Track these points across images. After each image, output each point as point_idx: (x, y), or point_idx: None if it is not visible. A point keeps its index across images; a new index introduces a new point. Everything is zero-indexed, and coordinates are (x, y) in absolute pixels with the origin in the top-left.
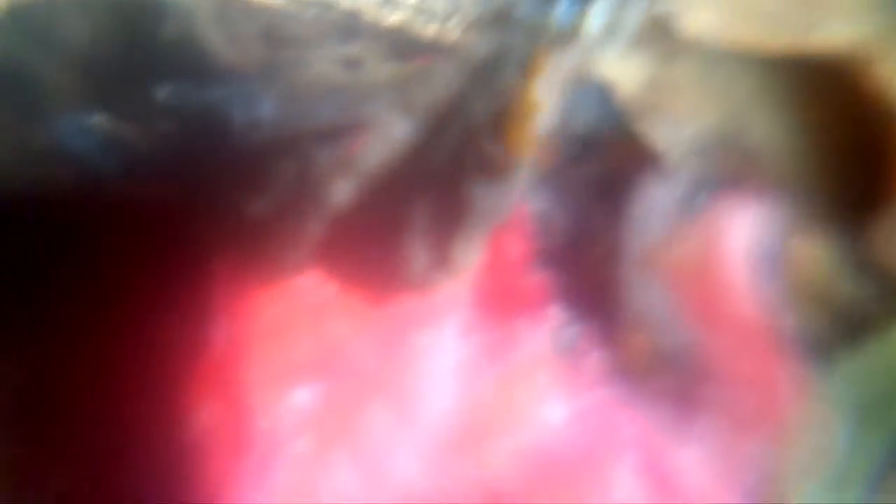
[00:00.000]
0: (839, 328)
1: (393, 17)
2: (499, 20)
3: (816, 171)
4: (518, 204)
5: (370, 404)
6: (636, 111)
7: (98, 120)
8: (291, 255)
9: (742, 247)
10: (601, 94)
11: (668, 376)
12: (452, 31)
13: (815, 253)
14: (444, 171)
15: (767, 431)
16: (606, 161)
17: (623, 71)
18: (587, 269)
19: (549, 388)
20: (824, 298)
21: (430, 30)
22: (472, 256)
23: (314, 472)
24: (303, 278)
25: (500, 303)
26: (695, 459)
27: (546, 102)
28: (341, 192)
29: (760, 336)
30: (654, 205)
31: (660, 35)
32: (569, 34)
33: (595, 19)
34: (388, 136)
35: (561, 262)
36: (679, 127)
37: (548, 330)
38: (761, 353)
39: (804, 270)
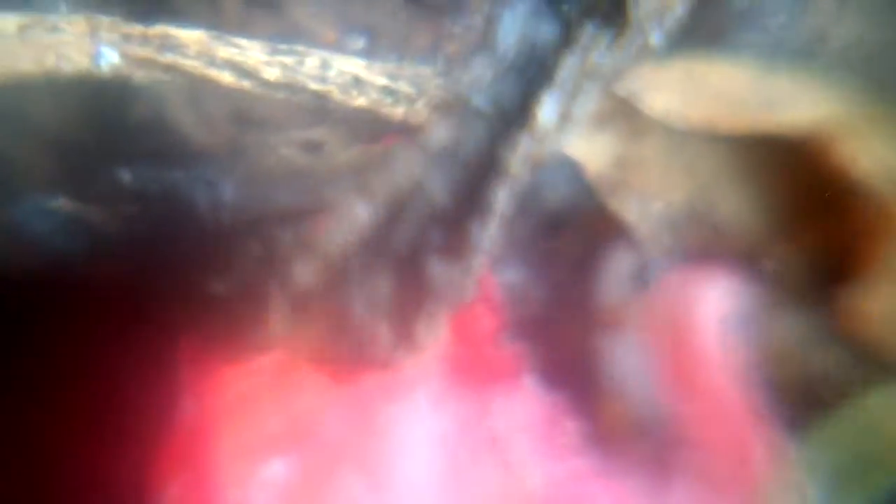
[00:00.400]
0: (812, 396)
1: (360, 100)
2: (458, 106)
3: (784, 245)
4: (488, 277)
5: (343, 474)
6: (606, 187)
7: (62, 202)
8: (256, 334)
9: (713, 318)
10: (572, 171)
11: (644, 444)
12: (419, 114)
13: (786, 324)
14: (406, 253)
15: (742, 495)
16: (578, 235)
17: (591, 149)
18: (561, 340)
19: (525, 459)
20: (796, 368)
21: (397, 112)
22: (435, 334)
23: None
24: (269, 355)
25: (472, 375)
26: None
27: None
28: (304, 273)
29: (733, 404)
30: (626, 277)
31: (625, 114)
32: (523, 124)
33: (547, 109)
34: (349, 219)
35: (534, 333)
36: (648, 202)
37: (522, 401)
38: (735, 420)
39: (776, 341)
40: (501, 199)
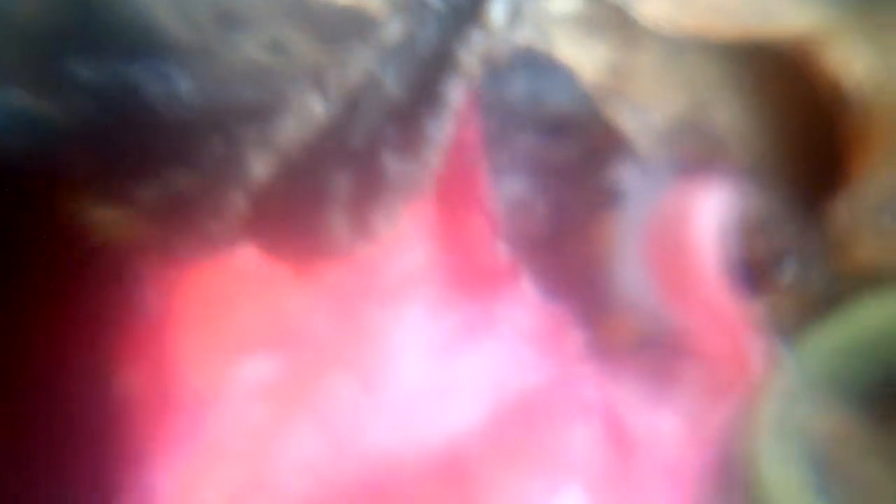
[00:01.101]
0: (804, 307)
1: None
2: (412, 3)
3: (777, 155)
4: (486, 185)
5: (332, 377)
6: (602, 96)
7: (16, 95)
8: (217, 227)
9: (711, 229)
10: (568, 78)
11: (646, 355)
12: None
13: (781, 235)
14: (361, 147)
15: (737, 402)
16: (579, 144)
17: (584, 57)
18: (564, 251)
19: (523, 364)
20: (790, 276)
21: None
22: (391, 224)
23: (272, 440)
24: (249, 254)
25: (469, 283)
26: (667, 429)
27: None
28: (262, 167)
29: (731, 315)
30: (627, 187)
31: (617, 23)
32: (475, 20)
33: (498, 5)
34: (306, 114)
35: (537, 243)
36: (645, 113)
37: (522, 310)
38: (732, 330)
39: (771, 252)
40: (455, 93)
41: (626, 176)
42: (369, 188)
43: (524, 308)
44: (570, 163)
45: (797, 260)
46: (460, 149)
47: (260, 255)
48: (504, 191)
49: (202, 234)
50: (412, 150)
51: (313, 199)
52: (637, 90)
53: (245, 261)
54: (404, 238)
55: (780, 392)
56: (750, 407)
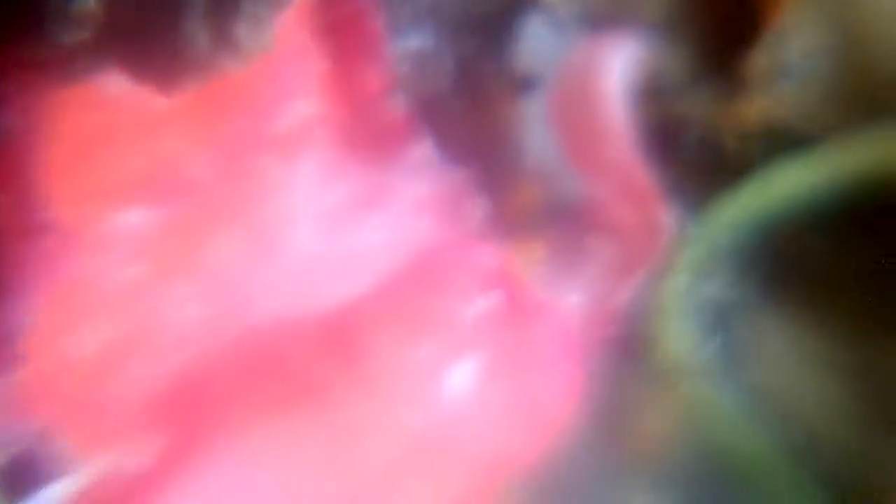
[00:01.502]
0: (719, 176)
1: None
2: None
3: (687, 9)
4: (382, 34)
5: (218, 234)
6: None
7: None
8: (68, 33)
9: (619, 89)
10: None
11: (551, 226)
12: None
13: (693, 95)
14: None
15: (643, 276)
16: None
17: None
18: (466, 111)
19: (420, 231)
20: (698, 142)
21: None
22: (260, 38)
23: (149, 297)
24: (120, 85)
25: (365, 141)
26: (570, 302)
27: None
28: None
29: (639, 183)
30: (532, 43)
31: None
32: None
33: None
34: None
35: (437, 102)
36: None
37: (422, 174)
38: (640, 199)
39: (682, 113)
40: None
41: (534, 31)
42: None
43: (423, 171)
44: (475, 15)
45: (706, 123)
46: None
47: (132, 86)
48: (403, 42)
49: (53, 41)
50: None
51: (168, 9)
52: None
53: (117, 93)
54: (293, 79)
55: (686, 266)
56: (656, 281)
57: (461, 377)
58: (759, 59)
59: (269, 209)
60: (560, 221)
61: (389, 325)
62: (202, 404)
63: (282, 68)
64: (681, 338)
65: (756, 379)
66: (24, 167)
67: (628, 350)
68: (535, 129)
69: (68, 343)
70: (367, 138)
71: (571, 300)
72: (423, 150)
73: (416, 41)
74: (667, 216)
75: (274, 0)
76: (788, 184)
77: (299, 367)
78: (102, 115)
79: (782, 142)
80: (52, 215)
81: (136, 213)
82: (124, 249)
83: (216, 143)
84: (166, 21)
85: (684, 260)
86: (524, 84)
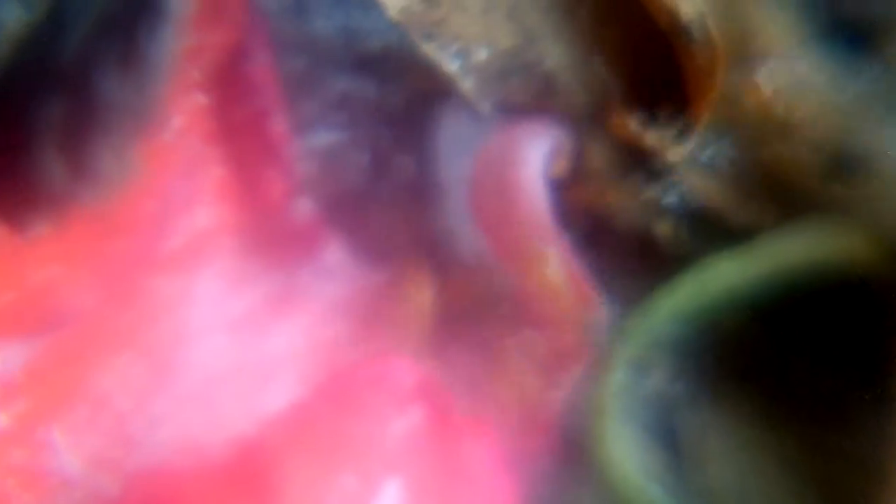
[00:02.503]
0: (650, 267)
1: None
2: None
3: (617, 98)
4: (284, 135)
5: (110, 360)
6: (419, 30)
7: None
8: None
9: (540, 178)
10: (382, 10)
11: (475, 325)
12: None
13: (623, 185)
14: (71, 65)
15: (578, 375)
16: (396, 86)
17: None
18: (380, 209)
19: (339, 343)
20: (631, 236)
21: None
22: (121, 165)
23: (31, 441)
24: None
25: (269, 248)
26: (500, 412)
27: None
28: None
29: (567, 274)
30: (451, 134)
31: None
32: None
33: None
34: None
35: (349, 201)
36: (468, 50)
37: (332, 279)
38: (569, 292)
39: (614, 205)
40: (174, 2)
41: (449, 122)
42: (84, 116)
43: (334, 276)
44: (386, 108)
45: (635, 212)
46: (251, 92)
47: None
48: (311, 141)
49: None
50: (128, 69)
51: (17, 132)
52: (457, 23)
53: None
54: (186, 192)
55: (623, 362)
56: (592, 380)
57: None
58: (680, 150)
59: (163, 329)
60: (484, 319)
61: (305, 454)
62: None
63: (171, 182)
64: (623, 440)
65: (704, 480)
66: None
67: (567, 459)
68: (456, 220)
69: None
70: (273, 243)
71: (499, 409)
72: (334, 253)
73: (325, 137)
74: (599, 308)
75: (133, 118)
76: (725, 275)
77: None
78: None
79: (712, 232)
80: None
81: (13, 347)
82: (2, 389)
83: (98, 267)
84: (13, 152)
85: (622, 354)
86: (441, 176)
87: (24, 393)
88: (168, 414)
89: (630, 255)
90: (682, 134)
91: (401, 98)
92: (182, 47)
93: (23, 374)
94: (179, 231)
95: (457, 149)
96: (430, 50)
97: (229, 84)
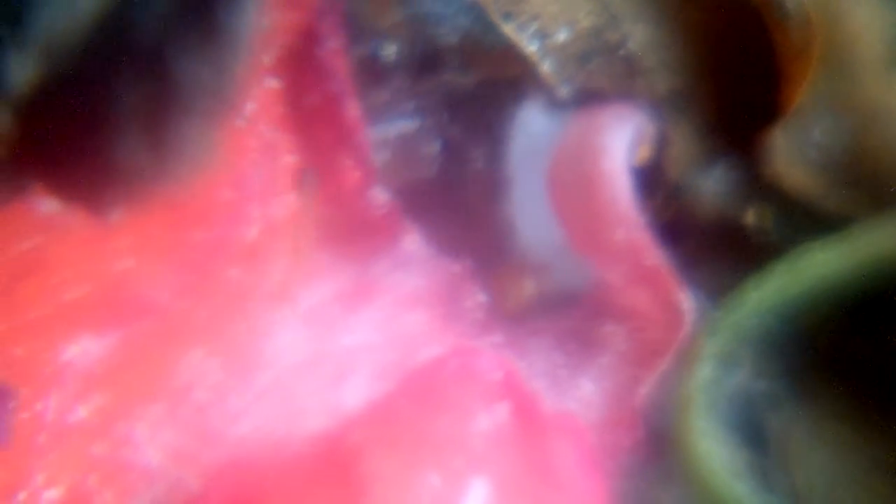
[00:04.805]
0: (737, 257)
1: None
2: None
3: (701, 79)
4: (358, 123)
5: (184, 352)
6: (498, 11)
7: None
8: None
9: (624, 166)
10: None
11: (557, 318)
12: None
13: (709, 174)
14: (148, 46)
15: (664, 365)
16: (471, 72)
17: None
18: (456, 198)
19: (418, 335)
20: (716, 225)
21: None
22: (203, 151)
23: (115, 433)
24: (51, 203)
25: (345, 239)
26: (585, 408)
27: None
28: (24, 72)
29: (652, 265)
30: (529, 122)
31: None
32: None
33: None
34: (74, 4)
35: (424, 191)
36: (550, 31)
37: (409, 270)
38: (654, 283)
39: (698, 193)
40: None
41: (527, 108)
42: (164, 98)
43: (411, 267)
44: (461, 95)
45: (722, 202)
46: (323, 77)
47: (66, 204)
48: (381, 129)
49: None
50: (210, 48)
51: (96, 114)
52: (537, 2)
53: (51, 213)
54: (261, 181)
55: (710, 356)
56: (677, 375)
57: None
58: (777, 138)
59: (240, 322)
60: (566, 312)
61: (389, 452)
62: None
63: (246, 171)
64: (709, 437)
65: (789, 480)
66: None
67: (653, 455)
68: (533, 211)
69: (30, 500)
70: (350, 233)
71: (585, 405)
72: (410, 243)
73: (395, 125)
74: (686, 300)
75: (217, 110)
76: (819, 265)
77: (291, 502)
78: (35, 240)
79: (801, 220)
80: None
81: (89, 340)
82: (80, 382)
83: (175, 258)
84: (97, 137)
85: (708, 348)
86: (519, 165)
87: (103, 386)
88: (245, 408)
89: (716, 245)
90: (771, 118)
91: (472, 86)
92: (260, 27)
93: (100, 368)
94: (255, 220)
95: (530, 139)
96: (508, 31)
97: (301, 68)
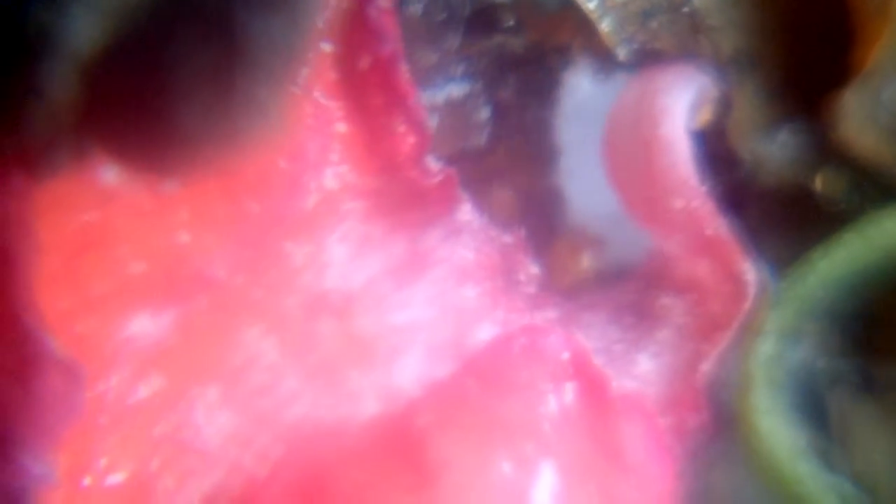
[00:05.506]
0: (804, 225)
1: None
2: None
3: (767, 40)
4: (410, 88)
5: (241, 330)
6: None
7: None
8: (42, 118)
9: (685, 131)
10: None
11: (615, 290)
12: None
13: (775, 139)
14: (216, 4)
15: (727, 338)
16: (524, 34)
17: None
18: (510, 166)
19: (473, 309)
20: (782, 192)
21: None
22: (265, 117)
23: (177, 413)
24: (113, 172)
25: (399, 209)
26: (646, 378)
27: None
28: (90, 32)
29: (713, 234)
30: (581, 88)
31: None
32: None
33: None
34: None
35: (477, 159)
36: None
37: (466, 239)
38: (716, 253)
39: (760, 159)
40: None
41: (583, 70)
42: (230, 60)
43: (464, 239)
44: (514, 58)
45: (788, 169)
46: (375, 39)
47: (128, 177)
48: (431, 96)
49: (27, 130)
50: (276, 7)
51: (161, 77)
52: None
53: (112, 186)
54: (314, 150)
55: (773, 331)
56: (740, 349)
57: (546, 491)
58: (848, 100)
59: (296, 297)
60: (624, 284)
61: (460, 434)
62: None
63: (300, 140)
64: (771, 414)
65: (851, 461)
66: (8, 291)
67: (718, 434)
68: (590, 178)
69: (94, 485)
70: (402, 204)
71: (642, 379)
72: (465, 213)
73: (444, 90)
74: (749, 271)
75: (283, 74)
76: (887, 236)
77: (358, 489)
78: (96, 212)
79: (874, 190)
80: (49, 345)
81: (147, 318)
82: (139, 361)
83: (230, 231)
84: (160, 104)
85: (772, 322)
86: (574, 131)
87: (161, 366)
88: (299, 390)
89: (781, 213)
90: (842, 80)
91: (526, 46)
92: None
93: (158, 347)
94: (310, 191)
95: (582, 105)
96: None
97: (352, 30)
